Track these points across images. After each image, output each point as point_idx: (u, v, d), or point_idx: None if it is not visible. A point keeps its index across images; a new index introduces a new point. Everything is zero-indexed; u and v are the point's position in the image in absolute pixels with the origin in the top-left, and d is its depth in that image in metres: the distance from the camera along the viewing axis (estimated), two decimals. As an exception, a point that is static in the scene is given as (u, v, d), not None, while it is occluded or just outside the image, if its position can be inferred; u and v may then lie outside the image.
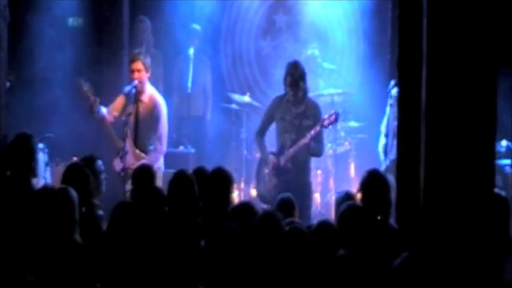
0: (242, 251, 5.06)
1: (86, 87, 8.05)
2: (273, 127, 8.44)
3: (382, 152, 8.67)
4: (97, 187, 6.45)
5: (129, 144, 8.06)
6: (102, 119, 8.09)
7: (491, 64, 4.91)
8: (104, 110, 8.11)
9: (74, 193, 5.21)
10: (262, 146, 8.47)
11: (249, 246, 5.06)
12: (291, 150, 8.17)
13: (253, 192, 9.98)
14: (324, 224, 5.46)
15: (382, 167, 8.36)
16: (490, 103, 4.93)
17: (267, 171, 8.35)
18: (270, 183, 8.33)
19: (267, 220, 5.17)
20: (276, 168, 8.26)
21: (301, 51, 10.46)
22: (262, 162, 8.45)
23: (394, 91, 8.02)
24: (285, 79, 8.26)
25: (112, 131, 8.10)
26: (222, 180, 6.13)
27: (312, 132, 8.12)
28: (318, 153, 8.32)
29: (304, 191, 8.07)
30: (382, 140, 8.72)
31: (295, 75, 8.21)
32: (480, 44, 4.89)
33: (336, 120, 8.27)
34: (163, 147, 8.22)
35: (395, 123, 8.10)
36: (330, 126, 8.34)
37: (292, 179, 8.14)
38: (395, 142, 7.88)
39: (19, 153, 6.34)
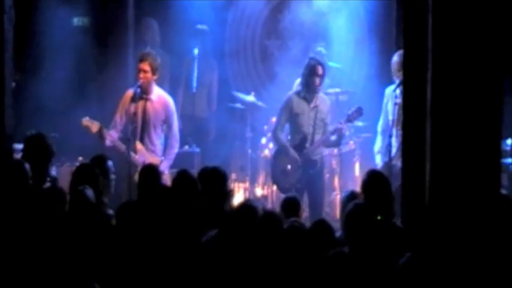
0: (244, 249, 5.07)
1: (91, 124, 8.08)
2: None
3: (378, 153, 8.57)
4: (107, 187, 6.49)
5: (142, 151, 8.12)
6: (111, 142, 8.12)
7: (497, 63, 4.91)
8: (112, 134, 8.15)
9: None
10: (283, 142, 8.64)
11: (251, 244, 5.08)
12: (317, 144, 8.46)
13: (259, 192, 10.00)
14: (319, 224, 5.51)
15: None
16: (496, 101, 4.93)
17: (288, 165, 8.49)
18: (293, 177, 8.48)
19: (269, 220, 5.20)
20: (301, 162, 8.43)
21: (306, 51, 10.46)
22: (281, 157, 8.57)
23: (398, 91, 8.01)
24: (311, 79, 8.47)
25: (121, 146, 8.13)
26: (214, 178, 6.18)
27: (338, 125, 8.43)
28: (337, 144, 8.73)
29: (323, 186, 8.59)
30: (379, 141, 8.62)
31: (321, 75, 8.50)
32: (486, 43, 4.88)
33: (361, 114, 8.52)
34: (178, 143, 8.42)
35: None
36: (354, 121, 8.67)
37: (316, 172, 8.45)
38: (393, 142, 7.90)
39: (37, 153, 6.41)
